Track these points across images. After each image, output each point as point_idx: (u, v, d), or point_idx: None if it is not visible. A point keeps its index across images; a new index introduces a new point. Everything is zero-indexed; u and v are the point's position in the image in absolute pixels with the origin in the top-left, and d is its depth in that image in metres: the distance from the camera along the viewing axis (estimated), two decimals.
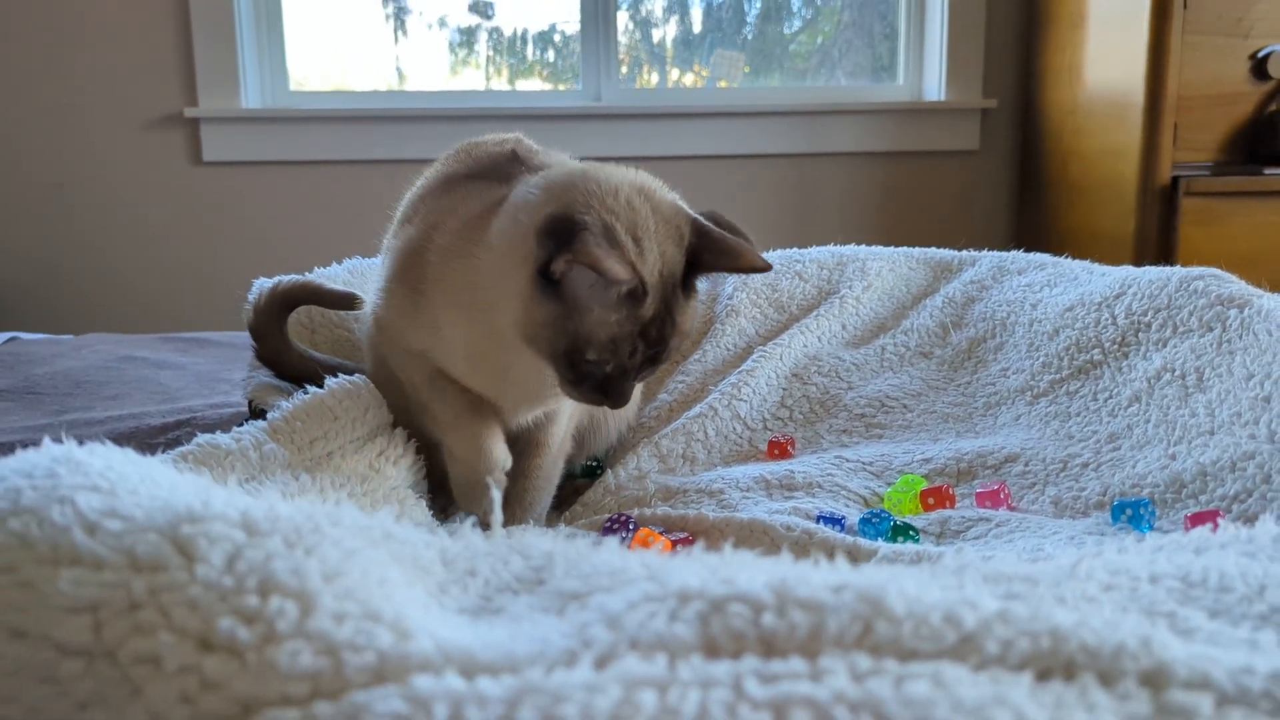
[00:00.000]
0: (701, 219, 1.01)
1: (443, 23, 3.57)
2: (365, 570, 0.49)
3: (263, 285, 1.53)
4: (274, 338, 1.37)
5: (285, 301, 1.38)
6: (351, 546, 0.50)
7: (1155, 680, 0.44)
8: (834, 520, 1.05)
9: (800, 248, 1.78)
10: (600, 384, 0.97)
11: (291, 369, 1.36)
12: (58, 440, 0.63)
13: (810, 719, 0.39)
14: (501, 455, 1.07)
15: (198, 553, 0.48)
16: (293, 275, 1.46)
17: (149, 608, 0.46)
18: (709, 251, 0.99)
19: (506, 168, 1.10)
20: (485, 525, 0.96)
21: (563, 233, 0.90)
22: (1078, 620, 0.46)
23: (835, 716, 0.39)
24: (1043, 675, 0.44)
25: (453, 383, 1.09)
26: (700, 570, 0.50)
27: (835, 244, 1.77)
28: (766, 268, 1.03)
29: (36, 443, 1.55)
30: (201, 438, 0.96)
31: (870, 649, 0.44)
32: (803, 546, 0.97)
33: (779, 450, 1.32)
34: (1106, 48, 2.97)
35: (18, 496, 0.53)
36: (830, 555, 0.96)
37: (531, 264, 0.93)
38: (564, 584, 0.53)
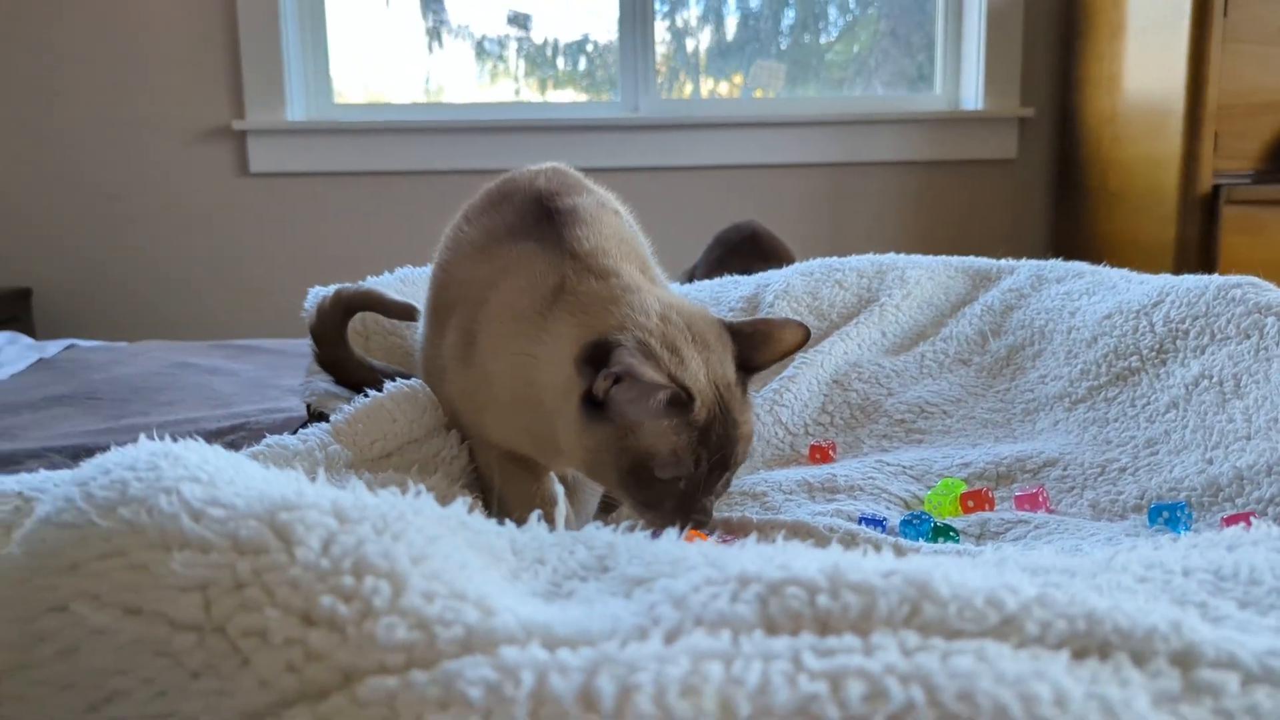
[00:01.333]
0: (729, 321, 1.04)
1: (474, 35, 3.63)
2: (447, 555, 0.53)
3: (319, 293, 1.58)
4: (334, 342, 1.41)
5: (348, 307, 1.42)
6: (434, 533, 0.54)
7: (1185, 660, 0.47)
8: (876, 522, 1.08)
9: (838, 256, 1.81)
10: (677, 503, 0.97)
11: (348, 373, 1.41)
12: (122, 443, 0.67)
13: (864, 689, 0.43)
14: (552, 492, 1.10)
15: (295, 537, 0.52)
16: (354, 284, 1.51)
17: (254, 586, 0.50)
18: (751, 349, 1.02)
19: (542, 222, 1.10)
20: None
21: (600, 357, 0.93)
22: (1112, 605, 0.49)
23: (887, 686, 0.43)
24: (1079, 654, 0.47)
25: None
26: (756, 558, 0.54)
27: (873, 253, 1.79)
28: (807, 336, 1.07)
29: (100, 446, 1.61)
30: (270, 439, 1.01)
31: (918, 628, 0.47)
32: (846, 546, 1.00)
33: (820, 455, 1.35)
34: (1146, 56, 2.98)
35: (124, 488, 0.58)
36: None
37: (577, 394, 0.96)
38: (628, 570, 0.56)
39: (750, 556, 0.54)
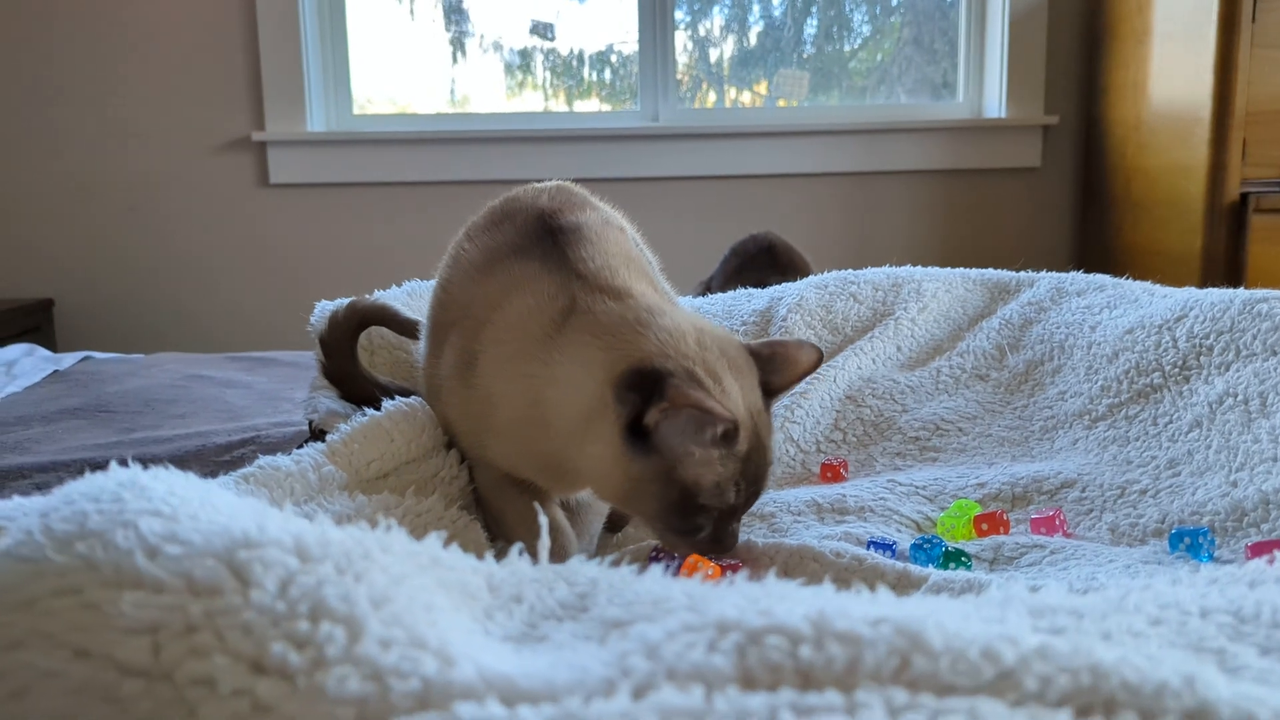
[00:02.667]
0: (749, 344, 1.02)
1: (497, 45, 3.62)
2: (412, 596, 0.50)
3: (325, 307, 1.57)
4: (344, 354, 1.39)
5: (362, 320, 1.40)
6: (400, 573, 0.52)
7: None
8: (885, 546, 1.05)
9: (859, 267, 1.78)
10: (713, 532, 0.95)
11: (354, 387, 1.39)
12: (123, 462, 0.65)
13: None
14: (554, 514, 1.08)
15: (252, 578, 0.49)
16: (361, 296, 1.49)
17: (205, 631, 0.47)
18: (772, 373, 1.00)
19: (545, 240, 1.08)
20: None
21: (648, 385, 0.89)
22: (1119, 657, 0.46)
23: None
24: (1083, 712, 0.44)
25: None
26: (740, 600, 0.50)
27: (893, 264, 1.76)
28: (820, 359, 1.05)
29: (109, 460, 1.60)
30: (263, 460, 0.99)
31: (907, 683, 0.44)
32: (852, 573, 0.97)
33: (831, 473, 1.32)
34: (1172, 62, 2.92)
35: (84, 520, 0.56)
36: (880, 581, 0.96)
37: (615, 421, 0.92)
38: (607, 611, 0.53)
39: (734, 599, 0.51)
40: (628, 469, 0.93)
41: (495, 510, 1.12)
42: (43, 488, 1.38)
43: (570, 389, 0.96)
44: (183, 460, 1.51)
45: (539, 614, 0.56)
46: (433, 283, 1.69)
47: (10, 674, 0.52)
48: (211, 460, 1.53)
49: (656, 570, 0.59)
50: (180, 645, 0.47)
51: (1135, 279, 1.61)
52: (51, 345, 3.18)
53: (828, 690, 0.43)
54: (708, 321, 1.02)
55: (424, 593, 0.51)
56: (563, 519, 1.11)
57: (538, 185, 1.23)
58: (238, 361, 2.29)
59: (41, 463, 1.51)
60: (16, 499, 0.75)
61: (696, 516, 0.93)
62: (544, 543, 0.65)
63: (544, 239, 1.08)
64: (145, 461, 1.51)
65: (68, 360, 2.25)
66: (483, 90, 3.64)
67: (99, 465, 1.60)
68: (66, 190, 3.36)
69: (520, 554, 0.62)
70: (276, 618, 0.47)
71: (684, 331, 0.96)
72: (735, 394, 0.94)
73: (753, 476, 0.95)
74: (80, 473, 1.57)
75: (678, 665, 0.45)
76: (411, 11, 3.57)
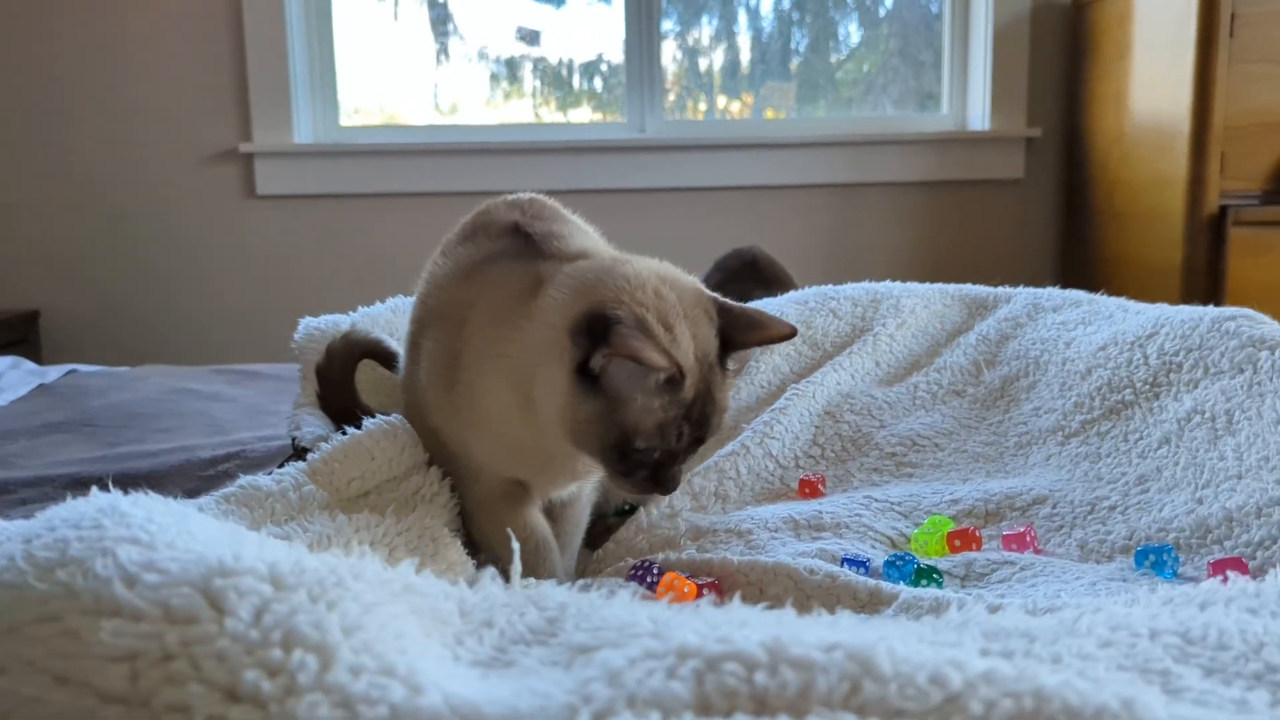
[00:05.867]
0: (721, 299, 1.04)
1: (484, 55, 3.64)
2: (384, 624, 0.52)
3: (309, 324, 1.58)
4: (342, 389, 1.40)
5: (359, 353, 1.41)
6: (372, 600, 0.53)
7: None
8: (859, 563, 1.07)
9: (845, 278, 1.80)
10: (651, 473, 0.99)
11: (353, 421, 1.38)
12: (104, 485, 0.66)
13: None
14: (537, 527, 1.10)
15: (227, 606, 0.51)
16: (354, 326, 1.49)
17: (181, 659, 0.49)
18: (736, 329, 1.02)
19: (519, 244, 1.12)
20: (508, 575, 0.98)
21: (597, 329, 0.93)
22: (1062, 681, 0.48)
23: None
24: None
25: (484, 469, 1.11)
26: (701, 626, 0.52)
27: (878, 275, 1.78)
28: (792, 333, 1.08)
29: (94, 475, 1.59)
30: (244, 479, 1.00)
31: (857, 709, 0.46)
32: (825, 590, 0.98)
33: (810, 489, 1.34)
34: (1152, 76, 2.96)
35: (65, 547, 0.57)
36: (853, 599, 0.98)
37: (569, 363, 0.96)
38: (574, 637, 0.55)
39: (696, 625, 0.53)
40: (576, 408, 0.97)
41: (480, 528, 1.13)
42: (28, 504, 1.39)
43: (538, 345, 0.99)
44: (167, 475, 1.52)
45: (509, 639, 0.57)
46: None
47: None
48: (195, 475, 1.53)
49: (626, 594, 0.61)
50: (157, 673, 0.49)
51: (1117, 290, 1.64)
52: (37, 357, 3.18)
53: (780, 716, 0.45)
54: (677, 272, 1.05)
55: (395, 620, 0.53)
56: (548, 532, 1.13)
57: (510, 198, 1.25)
58: (223, 374, 2.29)
59: (26, 478, 1.52)
60: (0, 522, 0.76)
61: (634, 457, 0.97)
62: (516, 567, 0.66)
63: (517, 243, 1.12)
64: (129, 477, 1.52)
65: (53, 373, 2.25)
66: (470, 100, 3.65)
67: (84, 480, 1.60)
68: (52, 201, 3.37)
69: (493, 579, 0.64)
70: (250, 646, 0.49)
71: (643, 280, 0.99)
72: (686, 342, 0.97)
73: (697, 420, 0.98)
74: (65, 488, 1.58)
75: (638, 692, 0.46)
76: (395, 14, 3.58)
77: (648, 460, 0.98)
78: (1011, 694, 0.47)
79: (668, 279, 1.01)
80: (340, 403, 1.40)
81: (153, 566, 0.54)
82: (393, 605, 0.54)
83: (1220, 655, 0.58)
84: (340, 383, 1.40)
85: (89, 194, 3.37)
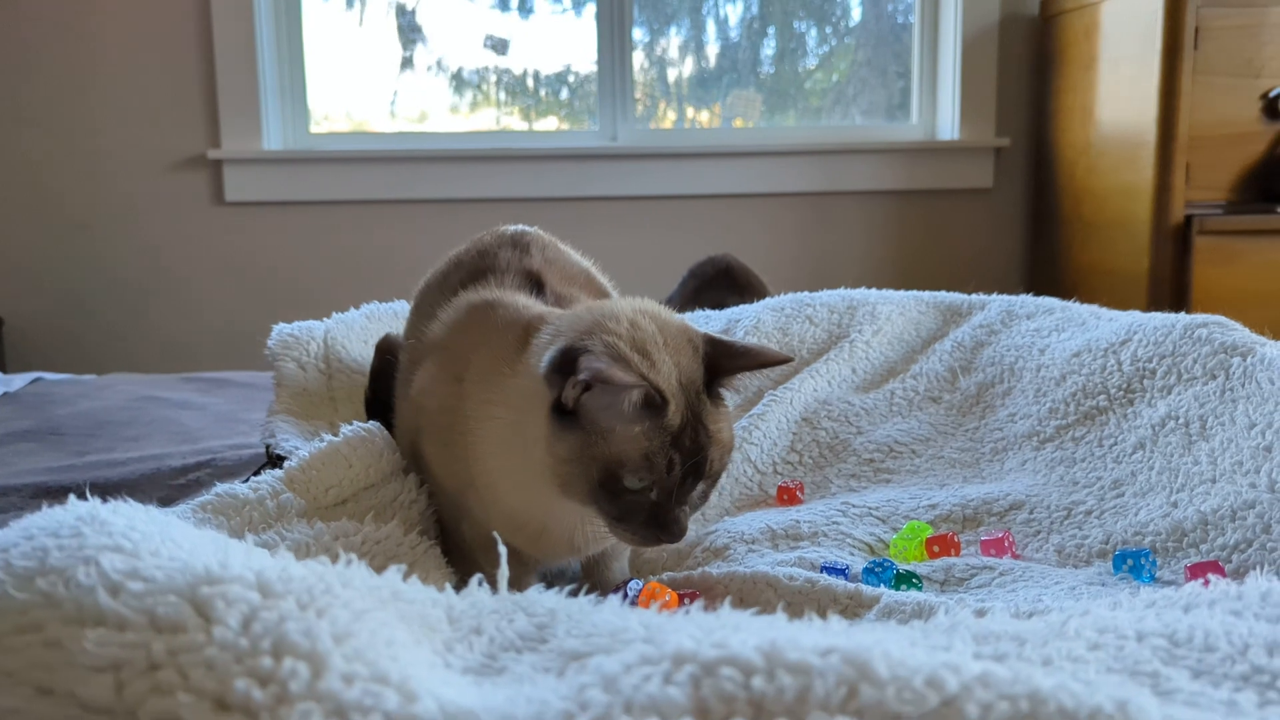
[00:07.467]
0: (713, 335, 1.02)
1: (451, 64, 3.63)
2: (374, 631, 0.51)
3: (282, 330, 1.56)
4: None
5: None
6: (361, 607, 0.53)
7: None
8: (838, 570, 1.07)
9: (815, 285, 1.81)
10: (649, 516, 0.94)
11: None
12: (81, 494, 0.65)
13: None
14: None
15: (215, 614, 0.50)
16: (310, 321, 1.48)
17: (168, 668, 0.48)
18: (726, 357, 0.99)
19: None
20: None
21: (567, 363, 0.92)
22: (1057, 683, 0.48)
23: None
24: None
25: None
26: (695, 631, 0.52)
27: (849, 283, 1.79)
28: (788, 359, 1.05)
29: (62, 484, 1.56)
30: (220, 487, 0.99)
31: (854, 712, 0.45)
32: (805, 596, 0.98)
33: (788, 495, 1.34)
34: (1118, 88, 3.00)
35: (45, 556, 0.56)
36: (834, 604, 0.98)
37: (547, 404, 0.94)
38: (566, 643, 0.55)
39: (690, 630, 0.52)
40: (556, 448, 0.94)
41: (456, 536, 1.12)
42: None
43: (523, 399, 0.98)
44: (137, 483, 1.50)
45: (498, 645, 0.57)
46: (393, 305, 1.70)
47: None
48: (166, 484, 1.51)
49: (615, 599, 0.60)
50: (143, 683, 0.48)
51: (1085, 298, 1.65)
52: (1, 364, 3.14)
53: None
54: (661, 308, 1.03)
55: (385, 627, 0.52)
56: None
57: (510, 232, 1.25)
58: (192, 383, 2.27)
59: None
60: None
61: (627, 498, 0.93)
62: (503, 571, 0.66)
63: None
64: (99, 486, 1.49)
65: (18, 382, 2.22)
66: (438, 108, 3.64)
67: (51, 490, 1.57)
68: (16, 208, 3.32)
69: (480, 584, 0.63)
70: (239, 654, 0.48)
71: (618, 314, 0.98)
72: (666, 369, 0.94)
73: (689, 449, 0.94)
74: (33, 497, 1.55)
75: (634, 698, 0.46)
76: (360, 20, 3.56)
77: (644, 501, 0.93)
78: (1007, 696, 0.47)
79: (648, 313, 1.00)
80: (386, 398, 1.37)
81: (137, 575, 0.53)
82: (381, 612, 0.54)
83: (1207, 657, 0.58)
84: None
85: (54, 200, 3.33)
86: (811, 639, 0.50)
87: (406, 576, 0.61)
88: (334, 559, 0.56)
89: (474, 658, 0.55)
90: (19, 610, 0.53)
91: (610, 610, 0.58)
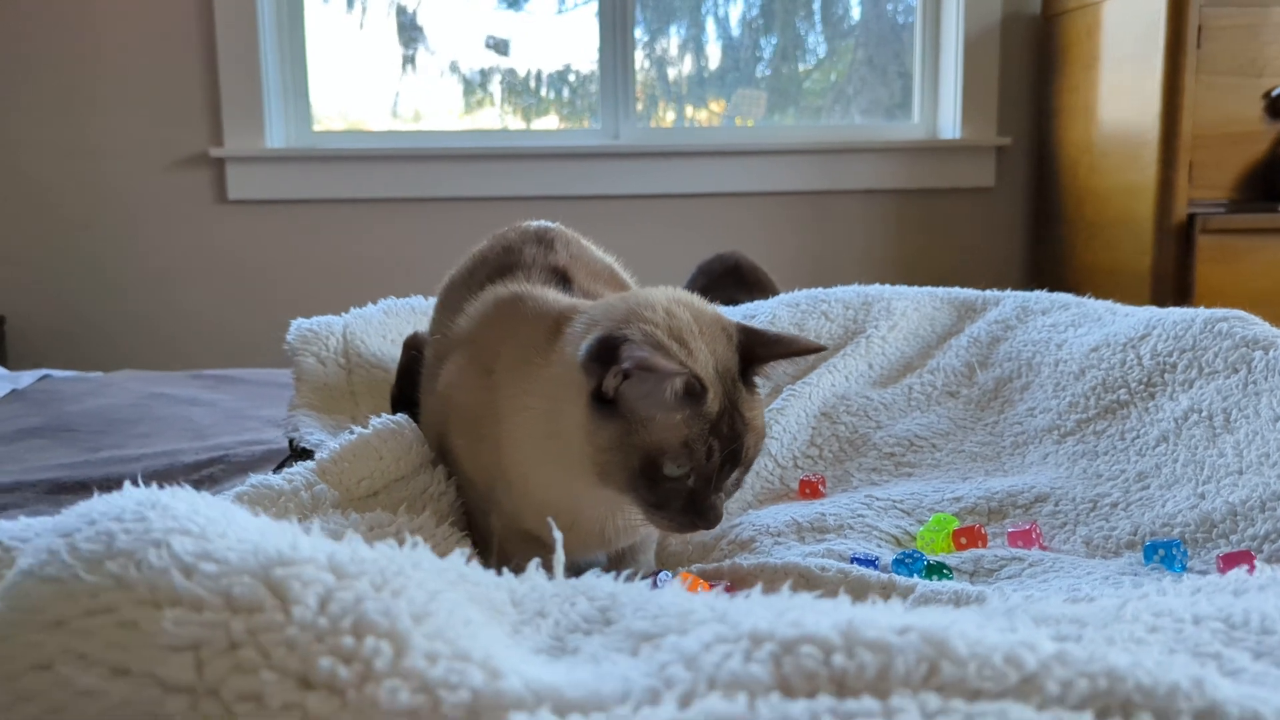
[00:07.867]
0: (745, 324, 1.02)
1: (454, 68, 3.63)
2: (450, 611, 0.51)
3: (301, 325, 1.56)
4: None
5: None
6: (434, 588, 0.53)
7: None
8: (868, 561, 1.07)
9: (817, 284, 1.81)
10: (687, 502, 0.94)
11: None
12: (134, 481, 0.65)
13: None
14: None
15: (291, 594, 0.50)
16: (329, 316, 1.48)
17: (248, 647, 0.48)
18: (760, 345, 1.00)
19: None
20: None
21: (606, 352, 0.92)
22: (1132, 661, 0.48)
23: None
24: (1102, 714, 0.46)
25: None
26: (767, 612, 0.52)
27: (855, 282, 1.79)
28: (821, 348, 1.07)
29: (76, 479, 1.56)
30: (255, 478, 0.99)
31: (937, 689, 0.46)
32: (839, 586, 0.99)
33: (810, 489, 1.34)
34: (1121, 87, 3.01)
35: (111, 540, 0.56)
36: (869, 594, 0.98)
37: (584, 394, 0.95)
38: (634, 624, 0.55)
39: (760, 611, 0.53)
40: (596, 438, 0.95)
41: (485, 530, 1.12)
42: (9, 509, 1.36)
43: (558, 389, 0.98)
44: (152, 479, 1.49)
45: (564, 628, 0.57)
46: (411, 300, 1.70)
47: (41, 694, 0.52)
48: (181, 479, 1.50)
49: (675, 584, 0.60)
50: (224, 662, 0.48)
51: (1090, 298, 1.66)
52: (3, 362, 3.12)
53: (864, 696, 0.45)
54: (694, 298, 1.04)
55: (460, 608, 0.52)
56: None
57: (532, 228, 1.25)
58: (199, 379, 2.26)
59: (5, 484, 1.49)
60: (23, 519, 0.75)
61: (666, 485, 0.93)
62: (559, 557, 0.66)
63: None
64: (114, 481, 1.49)
65: (26, 379, 2.21)
66: (439, 108, 3.64)
67: (67, 485, 1.57)
68: (18, 205, 3.31)
69: (538, 569, 0.63)
70: (320, 633, 0.48)
71: (653, 302, 0.98)
72: (703, 356, 0.95)
73: (726, 436, 0.95)
74: (50, 493, 1.54)
75: (717, 675, 0.46)
76: (362, 23, 3.56)
77: (682, 489, 0.94)
78: (1086, 674, 0.47)
79: (682, 301, 1.01)
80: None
81: (209, 556, 0.53)
82: (452, 593, 0.54)
83: (1266, 639, 0.59)
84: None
85: (57, 199, 3.32)
86: (885, 619, 0.51)
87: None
88: (401, 543, 0.57)
89: (542, 639, 0.56)
90: (89, 593, 0.53)
91: (673, 593, 0.58)
